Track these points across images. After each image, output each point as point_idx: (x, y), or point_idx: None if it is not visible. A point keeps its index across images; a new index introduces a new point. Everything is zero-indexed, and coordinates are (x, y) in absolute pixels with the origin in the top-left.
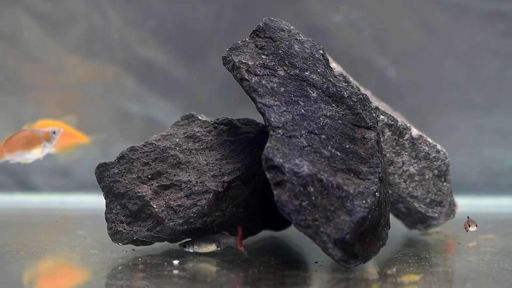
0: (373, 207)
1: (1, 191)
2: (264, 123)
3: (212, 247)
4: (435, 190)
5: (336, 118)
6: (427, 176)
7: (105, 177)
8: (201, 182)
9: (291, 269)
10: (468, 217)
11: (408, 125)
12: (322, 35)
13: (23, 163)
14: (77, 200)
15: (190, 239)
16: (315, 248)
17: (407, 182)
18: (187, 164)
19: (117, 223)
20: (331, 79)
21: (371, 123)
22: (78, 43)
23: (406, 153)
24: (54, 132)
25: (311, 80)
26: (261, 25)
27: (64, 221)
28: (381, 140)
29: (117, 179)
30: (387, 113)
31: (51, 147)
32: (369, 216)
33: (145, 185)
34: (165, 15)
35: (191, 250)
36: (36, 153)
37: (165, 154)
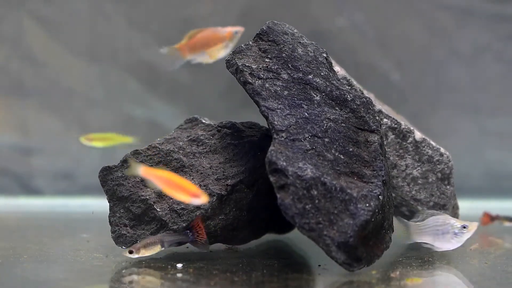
0: (377, 210)
1: (5, 194)
2: (267, 127)
3: (157, 248)
4: (438, 193)
5: (340, 122)
6: (430, 179)
7: (109, 181)
8: (204, 186)
9: (295, 272)
10: None
11: (412, 128)
12: (326, 38)
13: (204, 63)
14: (80, 203)
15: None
16: (318, 251)
17: (411, 185)
18: (191, 168)
19: (120, 227)
20: (334, 82)
21: (374, 126)
22: (81, 46)
23: (410, 156)
24: (236, 32)
25: (314, 83)
26: (265, 28)
27: (67, 225)
28: (385, 143)
29: (121, 182)
30: (391, 116)
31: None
32: (373, 219)
33: (148, 189)
34: (169, 18)
35: (137, 256)
36: (218, 53)
37: (168, 158)
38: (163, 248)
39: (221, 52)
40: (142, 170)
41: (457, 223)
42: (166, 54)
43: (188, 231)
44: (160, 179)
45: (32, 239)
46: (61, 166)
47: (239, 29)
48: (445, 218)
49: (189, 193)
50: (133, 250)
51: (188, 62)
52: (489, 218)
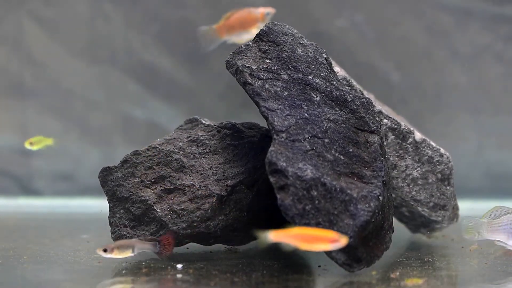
0: (377, 211)
1: (5, 195)
2: (267, 127)
3: (128, 252)
4: (438, 194)
5: (340, 122)
6: (430, 180)
7: (109, 181)
8: (204, 186)
9: (295, 273)
10: None
11: (412, 129)
12: (326, 39)
13: (239, 43)
14: (80, 204)
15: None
16: (318, 252)
17: (411, 186)
18: (191, 168)
19: (120, 227)
20: (334, 83)
21: (374, 127)
22: (81, 47)
23: (410, 157)
24: (267, 13)
25: (314, 84)
26: (265, 29)
27: (67, 225)
28: (385, 144)
29: (121, 183)
30: (391, 117)
31: None
32: (373, 220)
33: (148, 189)
34: (169, 19)
35: (109, 255)
36: (252, 33)
37: (168, 158)
38: (133, 254)
39: (254, 33)
40: (273, 236)
41: None
42: (203, 34)
43: (157, 243)
44: (294, 237)
45: (32, 240)
46: (61, 167)
47: (271, 10)
48: None
49: (327, 241)
50: (107, 249)
51: (224, 43)
52: None
